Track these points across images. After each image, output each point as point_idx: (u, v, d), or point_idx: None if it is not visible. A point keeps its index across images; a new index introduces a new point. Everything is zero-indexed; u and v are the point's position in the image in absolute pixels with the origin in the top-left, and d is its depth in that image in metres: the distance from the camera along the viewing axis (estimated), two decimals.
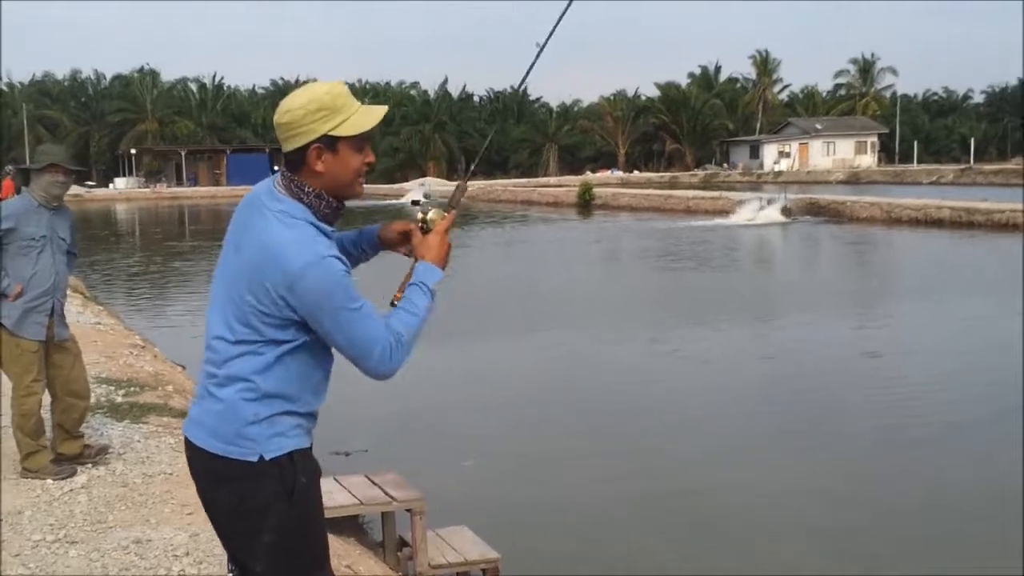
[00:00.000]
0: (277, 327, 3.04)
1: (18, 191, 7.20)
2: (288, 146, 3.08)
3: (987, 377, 12.87)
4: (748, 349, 15.35)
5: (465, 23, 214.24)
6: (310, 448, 3.21)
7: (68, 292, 7.33)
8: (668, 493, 8.99)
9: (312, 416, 3.21)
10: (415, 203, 70.11)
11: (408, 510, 6.92)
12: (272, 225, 3.04)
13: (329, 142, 3.06)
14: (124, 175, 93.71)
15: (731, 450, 10.16)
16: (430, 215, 3.36)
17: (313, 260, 2.96)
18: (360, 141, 3.13)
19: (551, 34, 3.72)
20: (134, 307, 21.49)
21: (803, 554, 7.60)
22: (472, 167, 3.82)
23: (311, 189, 3.10)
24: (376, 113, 3.15)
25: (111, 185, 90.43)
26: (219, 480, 3.12)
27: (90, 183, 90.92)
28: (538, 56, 3.71)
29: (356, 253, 3.49)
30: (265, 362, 3.06)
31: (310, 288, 2.96)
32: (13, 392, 7.00)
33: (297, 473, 3.10)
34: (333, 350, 3.17)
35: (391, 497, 6.99)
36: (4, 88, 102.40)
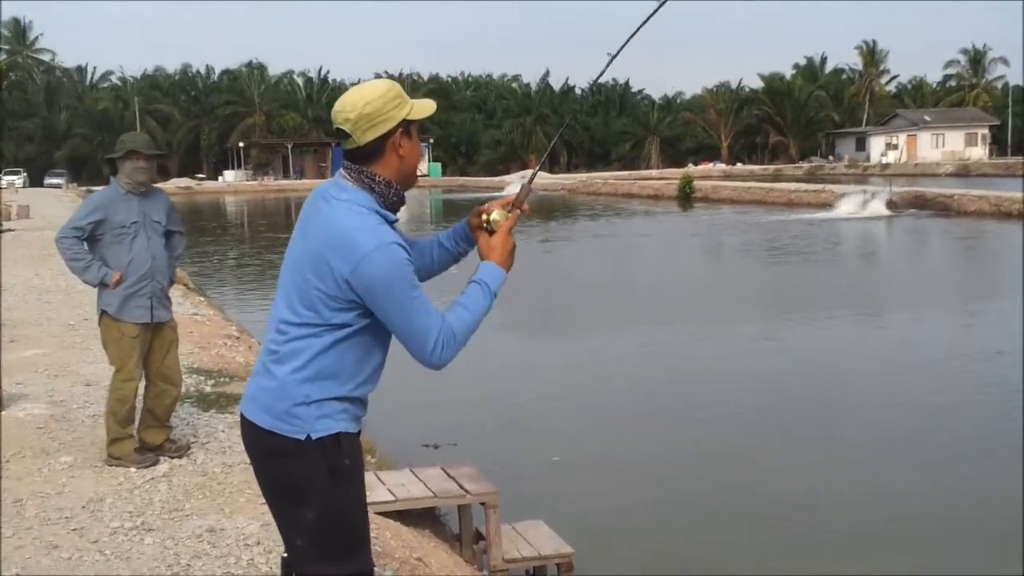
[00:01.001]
0: (338, 310, 3.16)
1: (107, 181, 7.37)
2: (368, 136, 3.21)
3: None
4: (850, 349, 14.95)
5: (567, 16, 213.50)
6: (357, 434, 3.34)
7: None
8: (753, 497, 8.83)
9: (361, 403, 3.34)
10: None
11: (482, 503, 6.93)
12: (339, 212, 3.18)
13: (407, 127, 3.25)
14: (233, 168, 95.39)
15: (823, 455, 9.94)
16: (494, 215, 3.42)
17: (378, 246, 3.09)
18: (418, 127, 3.31)
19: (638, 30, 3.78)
20: (237, 297, 21.83)
21: (896, 559, 7.46)
22: (536, 171, 3.89)
23: (382, 178, 3.24)
24: (430, 101, 3.36)
25: (220, 178, 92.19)
26: (268, 454, 3.30)
27: (200, 176, 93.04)
28: (618, 53, 3.81)
29: (452, 248, 3.61)
30: (323, 345, 3.19)
31: (374, 273, 3.08)
32: (114, 376, 7.14)
33: (342, 454, 3.24)
34: (388, 340, 3.31)
35: (465, 490, 7.00)
36: (118, 82, 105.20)
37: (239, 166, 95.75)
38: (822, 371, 13.30)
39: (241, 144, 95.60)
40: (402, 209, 3.34)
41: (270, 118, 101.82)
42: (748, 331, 16.13)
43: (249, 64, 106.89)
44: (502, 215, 3.41)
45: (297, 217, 3.40)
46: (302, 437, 3.19)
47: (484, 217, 3.44)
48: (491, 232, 3.41)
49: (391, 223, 3.23)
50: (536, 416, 11.39)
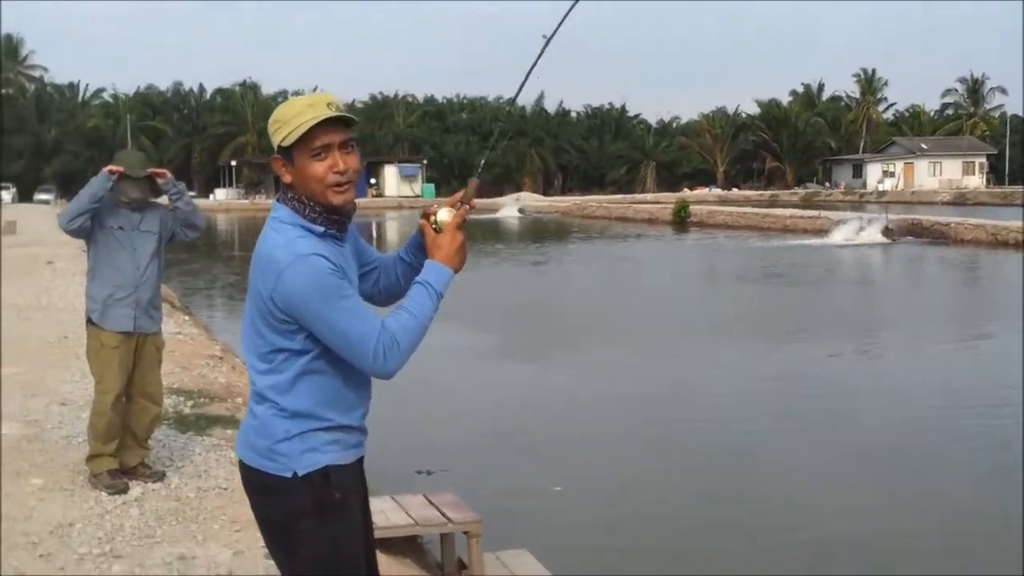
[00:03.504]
0: (283, 335, 3.07)
1: None
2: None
3: None
4: (848, 380, 14.76)
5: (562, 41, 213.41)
6: (352, 464, 3.21)
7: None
8: (729, 513, 8.65)
9: (351, 429, 3.20)
10: (521, 212, 70.30)
11: (465, 532, 6.71)
12: (265, 234, 3.14)
13: (285, 153, 3.12)
14: (224, 186, 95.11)
15: (832, 484, 9.71)
16: (440, 215, 3.32)
17: (294, 260, 3.00)
18: (317, 149, 3.09)
19: (554, 32, 3.69)
20: (225, 316, 21.46)
21: None
22: (480, 167, 3.71)
23: (293, 195, 3.14)
24: (306, 119, 3.05)
25: (211, 196, 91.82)
26: (257, 492, 3.21)
27: (191, 194, 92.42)
28: (539, 55, 3.66)
29: (412, 260, 3.45)
30: (287, 380, 3.09)
31: (290, 288, 2.99)
32: (95, 388, 6.96)
33: (331, 489, 3.12)
34: None
35: (447, 518, 6.76)
36: (109, 99, 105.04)
37: (231, 184, 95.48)
38: (827, 394, 13.07)
39: (233, 163, 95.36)
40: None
41: (262, 137, 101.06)
42: (747, 355, 15.91)
43: (243, 83, 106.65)
44: (449, 213, 3.32)
45: None
46: (288, 475, 3.09)
47: (432, 219, 3.33)
48: (438, 231, 3.30)
49: (319, 235, 3.09)
50: (532, 443, 11.05)
